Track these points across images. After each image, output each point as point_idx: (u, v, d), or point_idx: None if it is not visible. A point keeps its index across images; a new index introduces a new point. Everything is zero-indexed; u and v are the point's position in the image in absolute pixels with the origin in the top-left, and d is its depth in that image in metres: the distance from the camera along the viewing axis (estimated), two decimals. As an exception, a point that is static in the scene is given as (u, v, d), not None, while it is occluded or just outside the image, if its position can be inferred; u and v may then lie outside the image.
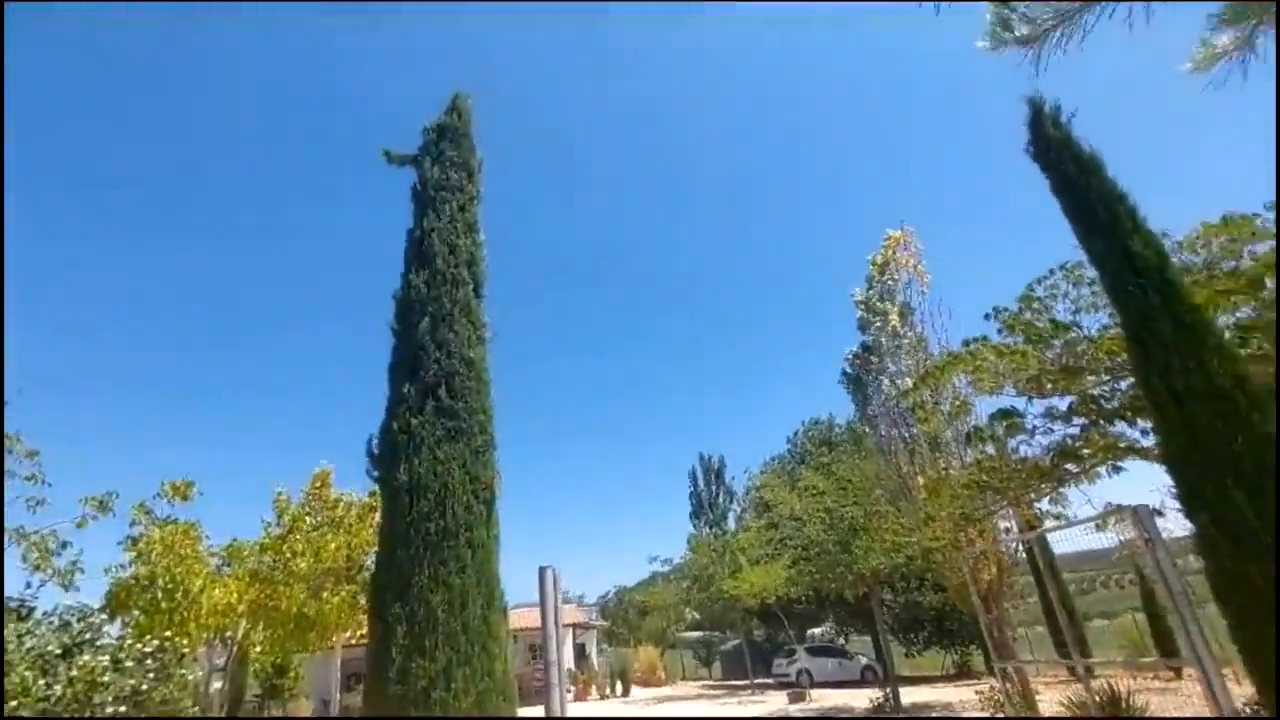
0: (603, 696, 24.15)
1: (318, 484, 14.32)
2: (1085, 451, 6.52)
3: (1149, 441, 6.67)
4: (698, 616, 35.22)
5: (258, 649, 14.93)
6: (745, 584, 18.80)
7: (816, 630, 33.10)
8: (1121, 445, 6.40)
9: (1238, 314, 5.75)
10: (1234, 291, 5.50)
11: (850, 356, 14.59)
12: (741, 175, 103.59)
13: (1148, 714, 5.63)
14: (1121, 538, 6.62)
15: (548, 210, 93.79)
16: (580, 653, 30.78)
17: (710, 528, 36.53)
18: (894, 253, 13.69)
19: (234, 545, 12.77)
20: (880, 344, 13.28)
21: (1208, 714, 4.68)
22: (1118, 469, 6.38)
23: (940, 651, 25.09)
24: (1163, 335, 5.12)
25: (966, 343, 7.17)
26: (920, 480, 9.60)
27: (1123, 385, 6.67)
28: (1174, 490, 5.29)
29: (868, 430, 14.01)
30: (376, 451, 6.33)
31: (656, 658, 29.19)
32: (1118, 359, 6.51)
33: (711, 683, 29.78)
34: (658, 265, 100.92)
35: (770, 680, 25.93)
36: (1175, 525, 6.78)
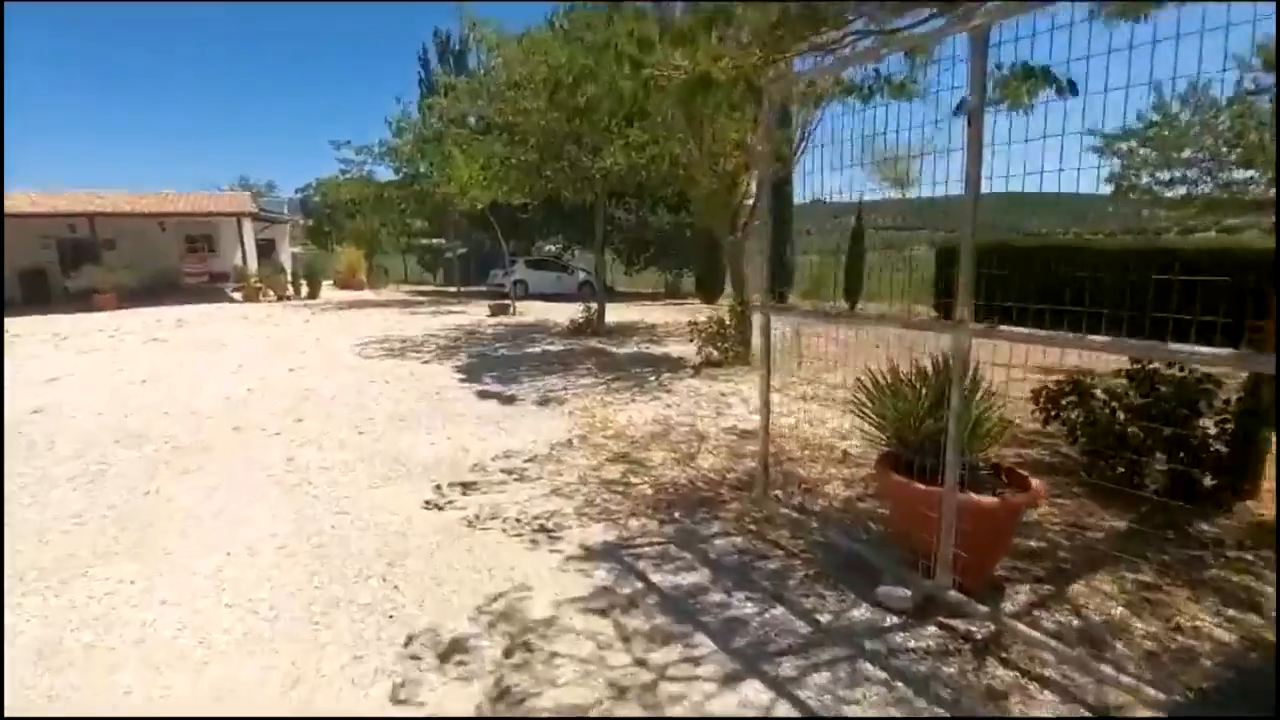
0: (281, 298, 20.44)
1: None
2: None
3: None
4: (422, 224, 31.32)
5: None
6: (454, 181, 14.76)
7: (550, 246, 31.99)
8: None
9: None
10: None
11: None
12: None
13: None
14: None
15: None
16: (269, 250, 25.80)
17: (444, 123, 29.97)
18: None
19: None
20: None
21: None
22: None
23: (658, 272, 25.66)
24: None
25: None
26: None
27: None
28: None
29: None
30: None
31: (358, 260, 25.60)
32: None
33: (425, 289, 27.76)
34: None
35: (484, 289, 24.64)
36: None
